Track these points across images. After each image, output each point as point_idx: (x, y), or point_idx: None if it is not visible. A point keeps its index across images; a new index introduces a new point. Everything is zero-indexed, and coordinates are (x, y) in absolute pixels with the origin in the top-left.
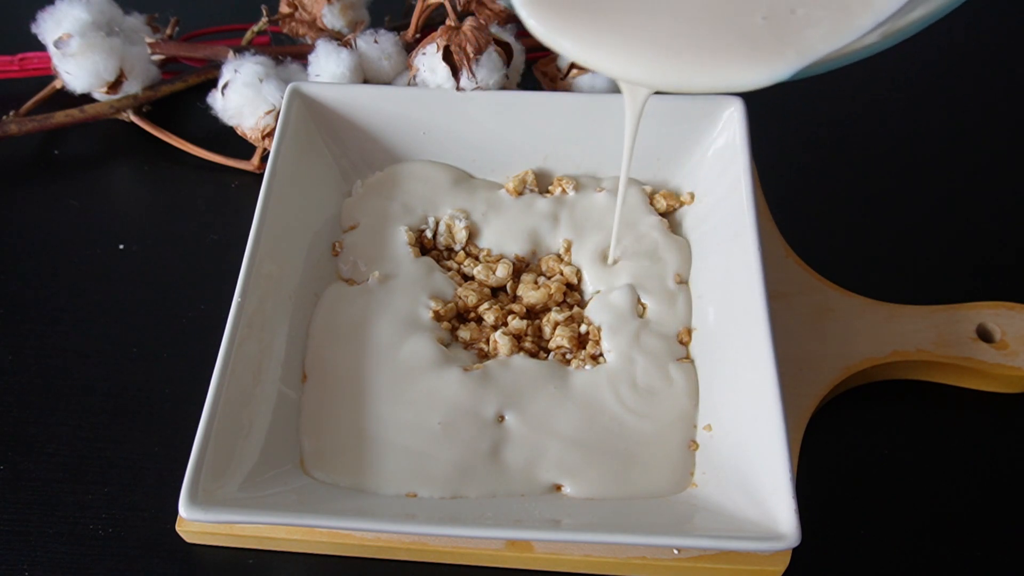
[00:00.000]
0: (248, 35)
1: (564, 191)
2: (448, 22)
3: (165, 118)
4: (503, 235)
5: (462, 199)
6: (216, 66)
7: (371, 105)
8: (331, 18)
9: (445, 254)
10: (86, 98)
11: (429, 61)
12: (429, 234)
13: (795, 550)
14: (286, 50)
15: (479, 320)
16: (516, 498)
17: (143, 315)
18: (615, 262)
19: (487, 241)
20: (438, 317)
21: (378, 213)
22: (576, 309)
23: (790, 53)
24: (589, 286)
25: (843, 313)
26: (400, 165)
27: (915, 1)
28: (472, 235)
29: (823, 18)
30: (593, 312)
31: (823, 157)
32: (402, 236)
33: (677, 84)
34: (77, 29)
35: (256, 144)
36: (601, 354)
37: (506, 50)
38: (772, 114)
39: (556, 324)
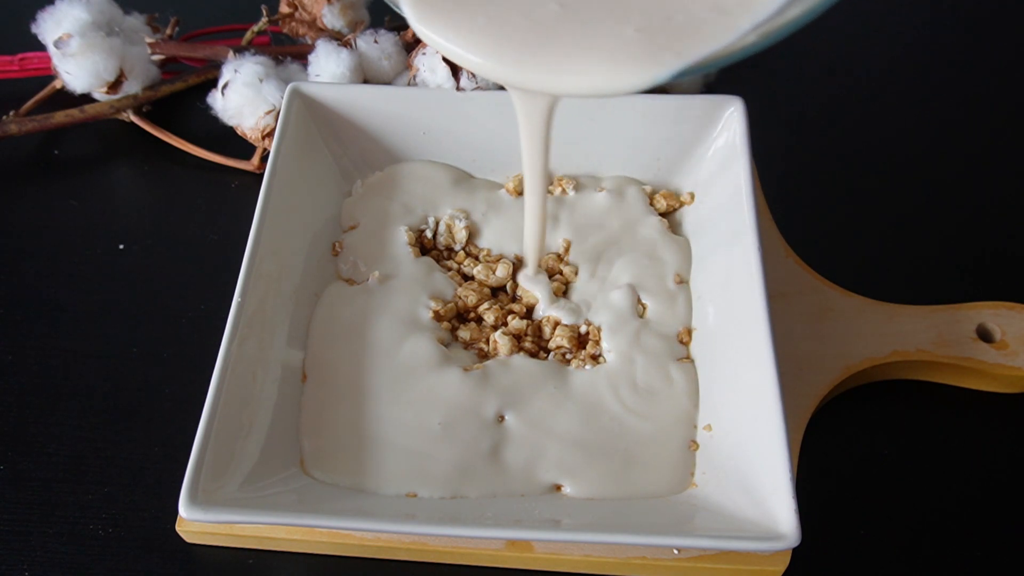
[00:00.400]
0: (248, 35)
1: (564, 191)
2: None
3: (165, 118)
4: (503, 235)
5: (462, 199)
6: (216, 66)
7: (371, 105)
8: (331, 18)
9: (445, 254)
10: (86, 98)
11: (429, 61)
12: (429, 234)
13: (795, 550)
14: (286, 50)
15: (479, 320)
16: (516, 498)
17: (143, 315)
18: (538, 271)
19: (487, 241)
20: (438, 317)
21: (378, 213)
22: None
23: (668, 57)
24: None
25: (843, 313)
26: (400, 165)
27: (791, 1)
28: (472, 235)
29: (702, 22)
30: (593, 312)
31: (823, 157)
32: (402, 236)
33: (559, 89)
34: (77, 29)
35: (256, 144)
36: (601, 354)
37: None
38: (772, 114)
39: (556, 324)
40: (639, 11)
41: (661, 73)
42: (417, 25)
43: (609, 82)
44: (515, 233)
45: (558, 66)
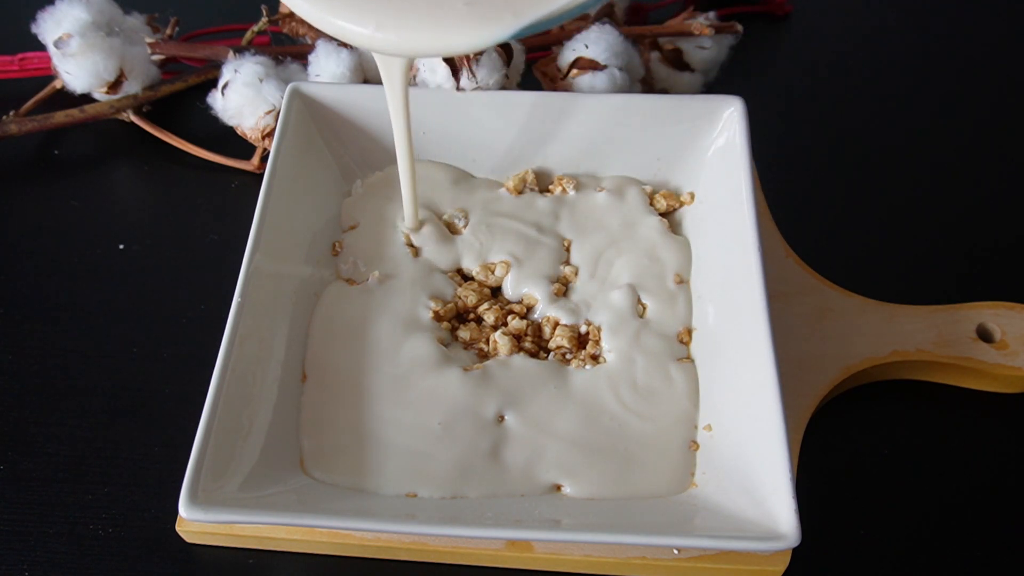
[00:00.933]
0: (248, 35)
1: (564, 191)
2: None
3: (165, 118)
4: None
5: (462, 199)
6: (216, 66)
7: (371, 105)
8: None
9: None
10: (86, 98)
11: (429, 61)
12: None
13: (795, 550)
14: (286, 50)
15: (479, 320)
16: (516, 498)
17: (143, 315)
18: (420, 225)
19: None
20: (438, 317)
21: (378, 213)
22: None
23: (507, 17)
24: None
25: (843, 313)
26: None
27: None
28: None
29: None
30: (593, 312)
31: (823, 157)
32: (401, 236)
33: (399, 48)
34: (77, 29)
35: (256, 144)
36: (601, 354)
37: (506, 50)
38: (772, 114)
39: (556, 324)
40: None
41: (502, 33)
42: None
43: (451, 42)
44: (514, 233)
45: (409, 31)
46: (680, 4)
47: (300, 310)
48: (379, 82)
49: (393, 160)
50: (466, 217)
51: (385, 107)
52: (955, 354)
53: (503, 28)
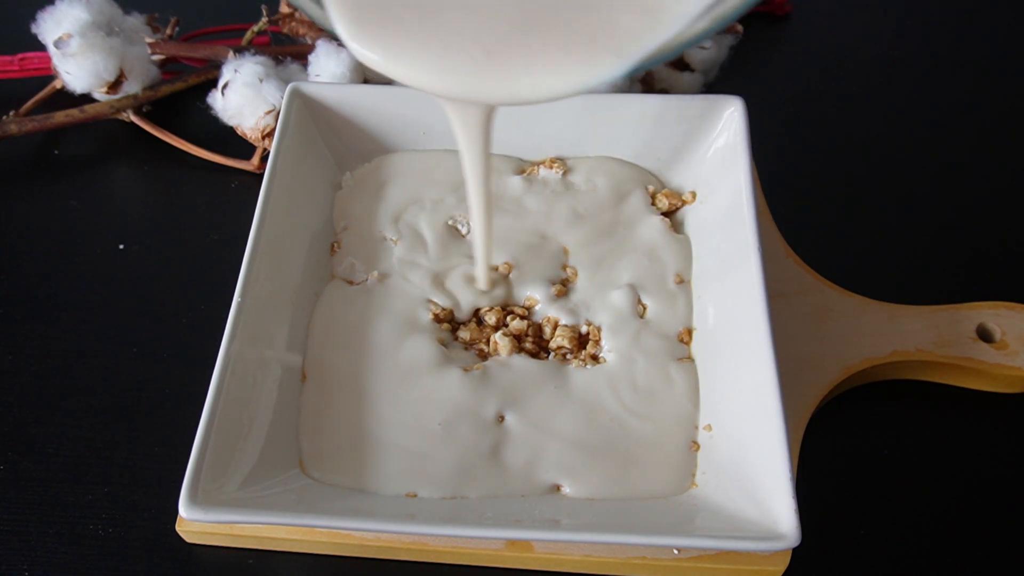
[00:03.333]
0: (248, 35)
1: (552, 167)
2: None
3: (165, 118)
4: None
5: (462, 194)
6: (216, 66)
7: (371, 105)
8: None
9: None
10: (86, 98)
11: None
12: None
13: (795, 550)
14: (286, 50)
15: (479, 321)
16: (516, 498)
17: (143, 315)
18: (491, 287)
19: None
20: (437, 319)
21: (370, 212)
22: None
23: (610, 57)
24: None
25: (843, 313)
26: (392, 156)
27: None
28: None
29: (645, 14)
30: (593, 312)
31: (823, 157)
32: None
33: (501, 97)
34: (77, 29)
35: (256, 144)
36: (601, 354)
37: None
38: (772, 114)
39: (556, 324)
40: (572, 8)
41: (603, 74)
42: (352, 44)
43: (551, 87)
44: (514, 232)
45: (500, 76)
46: None
47: (300, 310)
48: (379, 81)
49: (381, 151)
50: (468, 223)
51: (385, 107)
52: (955, 354)
53: (608, 69)
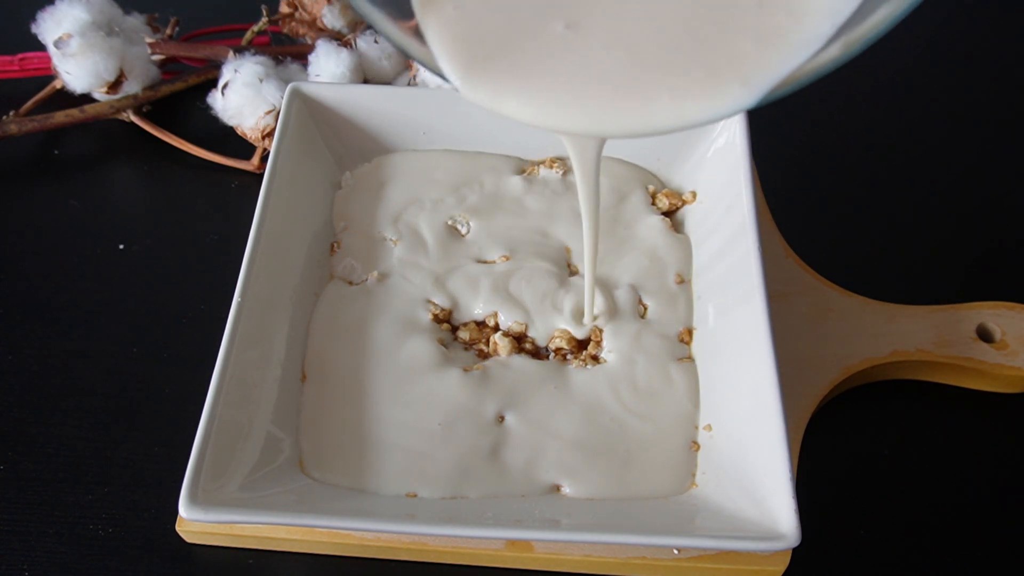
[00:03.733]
0: (248, 35)
1: (553, 167)
2: None
3: (165, 118)
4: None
5: (463, 194)
6: (216, 66)
7: (371, 105)
8: (331, 18)
9: None
10: (86, 98)
11: None
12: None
13: (795, 550)
14: (286, 50)
15: (479, 321)
16: (516, 498)
17: (143, 315)
18: (594, 319)
19: (484, 238)
20: (437, 319)
21: (370, 212)
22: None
23: (735, 87)
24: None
25: (843, 313)
26: (392, 155)
27: (872, 2)
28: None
29: (773, 35)
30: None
31: (823, 157)
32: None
33: (622, 130)
34: (77, 29)
35: (256, 144)
36: (601, 354)
37: None
38: (772, 114)
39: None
40: (692, 37)
41: (729, 105)
42: (471, 95)
43: (676, 119)
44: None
45: (616, 110)
46: None
47: (300, 310)
48: (379, 82)
49: (381, 151)
50: (468, 223)
51: (385, 107)
52: (955, 354)
53: (735, 101)
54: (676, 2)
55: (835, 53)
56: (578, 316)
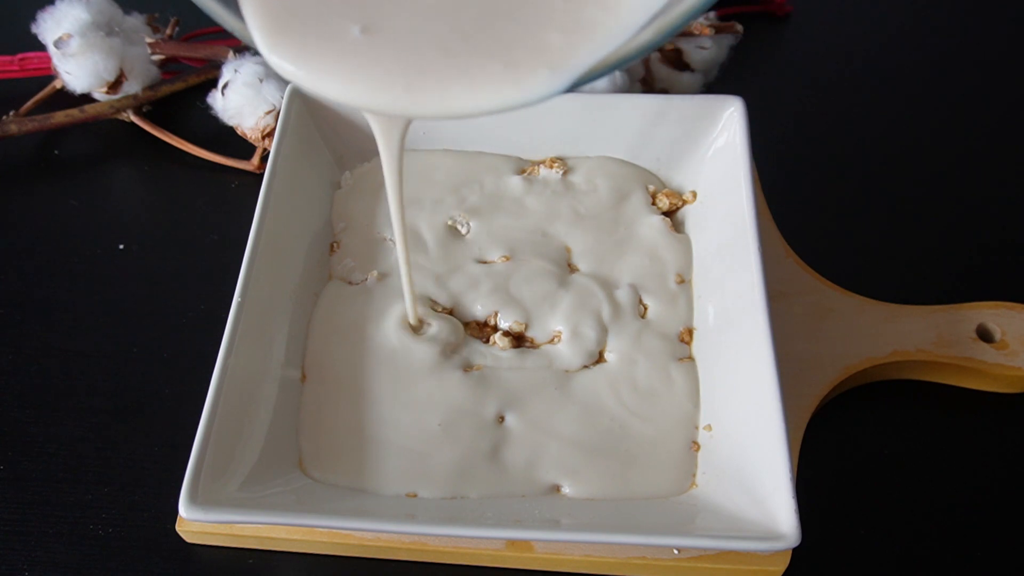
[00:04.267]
0: None
1: (552, 166)
2: None
3: (165, 118)
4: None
5: (464, 193)
6: (216, 66)
7: None
8: None
9: None
10: (86, 98)
11: None
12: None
13: (795, 550)
14: None
15: (479, 321)
16: (516, 498)
17: (143, 315)
18: (420, 324)
19: (484, 237)
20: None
21: (369, 211)
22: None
23: (543, 71)
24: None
25: (843, 313)
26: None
27: None
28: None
29: (583, 30)
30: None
31: (823, 157)
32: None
33: (423, 112)
34: (77, 29)
35: (256, 144)
36: (602, 355)
37: None
38: (772, 114)
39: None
40: (507, 21)
41: (536, 90)
42: (272, 57)
43: (481, 103)
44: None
45: (430, 91)
46: None
47: (299, 310)
48: None
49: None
50: (468, 223)
51: None
52: (955, 354)
53: (544, 86)
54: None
55: (647, 38)
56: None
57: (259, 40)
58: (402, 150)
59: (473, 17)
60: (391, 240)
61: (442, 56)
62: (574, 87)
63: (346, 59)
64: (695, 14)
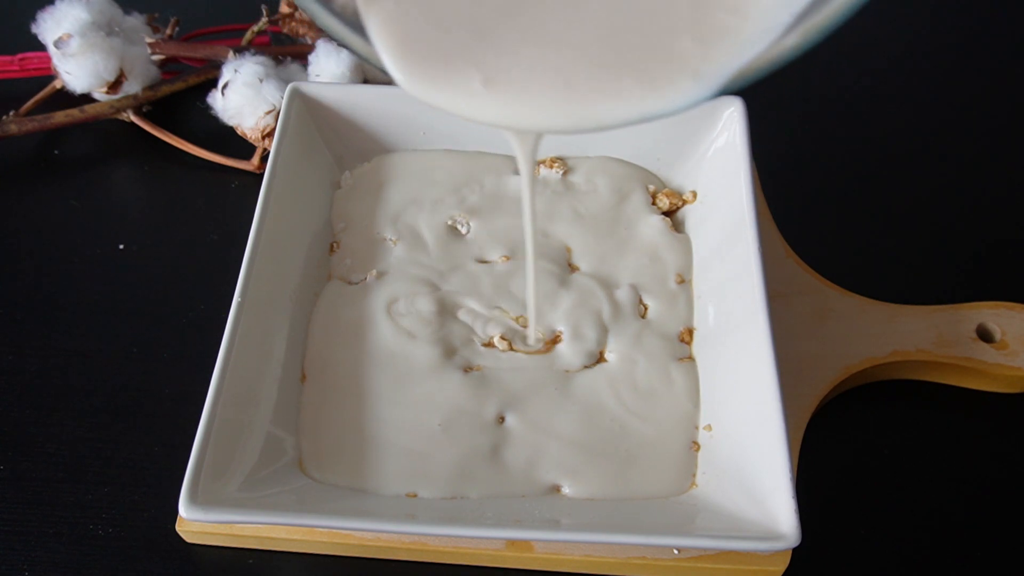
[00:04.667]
0: (248, 35)
1: (552, 166)
2: None
3: (165, 118)
4: (498, 230)
5: (464, 193)
6: (216, 66)
7: (371, 105)
8: None
9: None
10: (86, 98)
11: None
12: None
13: (795, 550)
14: (286, 50)
15: None
16: (516, 498)
17: (143, 315)
18: (537, 341)
19: (483, 236)
20: None
21: (369, 211)
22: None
23: (685, 82)
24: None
25: (843, 313)
26: (391, 155)
27: None
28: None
29: (716, 36)
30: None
31: (823, 157)
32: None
33: (571, 125)
34: (77, 29)
35: (256, 144)
36: (602, 355)
37: None
38: (772, 114)
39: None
40: (638, 31)
41: (679, 101)
42: (413, 90)
43: (626, 114)
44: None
45: (558, 108)
46: None
47: (300, 310)
48: (379, 81)
49: (381, 151)
50: (468, 223)
51: (385, 107)
52: (955, 354)
53: (688, 94)
54: (610, 10)
55: (795, 41)
56: (521, 335)
57: (392, 67)
58: (535, 157)
59: (601, 29)
60: (391, 240)
61: (581, 72)
62: (722, 93)
63: (488, 82)
64: (846, 15)
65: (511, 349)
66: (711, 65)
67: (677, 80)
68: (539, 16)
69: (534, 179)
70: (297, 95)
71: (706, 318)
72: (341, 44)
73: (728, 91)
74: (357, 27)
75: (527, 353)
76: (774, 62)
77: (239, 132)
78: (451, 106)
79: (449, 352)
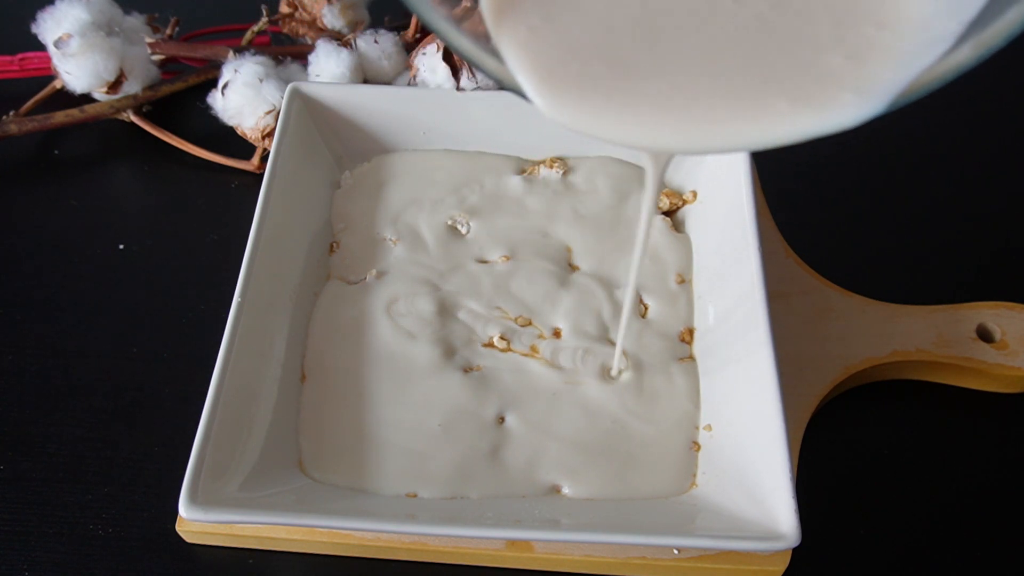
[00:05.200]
0: (248, 35)
1: (552, 166)
2: None
3: (165, 118)
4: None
5: (464, 194)
6: (216, 66)
7: (371, 105)
8: (331, 18)
9: None
10: (86, 98)
11: (429, 61)
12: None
13: (795, 550)
14: (286, 50)
15: None
16: (516, 499)
17: (143, 315)
18: (619, 373)
19: (483, 235)
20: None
21: (369, 211)
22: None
23: (848, 98)
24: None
25: (843, 313)
26: (391, 155)
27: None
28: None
29: (878, 46)
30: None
31: (823, 157)
32: (391, 244)
33: (717, 147)
34: (77, 29)
35: (256, 144)
36: None
37: None
38: None
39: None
40: (779, 52)
41: (846, 117)
42: (554, 115)
43: (776, 136)
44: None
45: (710, 129)
46: None
47: (299, 310)
48: (378, 82)
49: (381, 151)
50: (468, 223)
51: (385, 107)
52: (955, 354)
53: (852, 111)
54: (745, 34)
55: (968, 54)
56: (605, 372)
57: (533, 92)
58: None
59: (739, 52)
60: (390, 240)
61: (725, 95)
62: (892, 108)
63: (631, 105)
64: (1019, 29)
65: (511, 349)
66: (869, 81)
67: (838, 96)
68: (675, 39)
69: (657, 199)
70: (297, 95)
71: (706, 318)
72: (472, 64)
73: (898, 105)
74: (488, 49)
75: (525, 355)
76: (946, 75)
77: (239, 132)
78: (598, 131)
79: (449, 352)
